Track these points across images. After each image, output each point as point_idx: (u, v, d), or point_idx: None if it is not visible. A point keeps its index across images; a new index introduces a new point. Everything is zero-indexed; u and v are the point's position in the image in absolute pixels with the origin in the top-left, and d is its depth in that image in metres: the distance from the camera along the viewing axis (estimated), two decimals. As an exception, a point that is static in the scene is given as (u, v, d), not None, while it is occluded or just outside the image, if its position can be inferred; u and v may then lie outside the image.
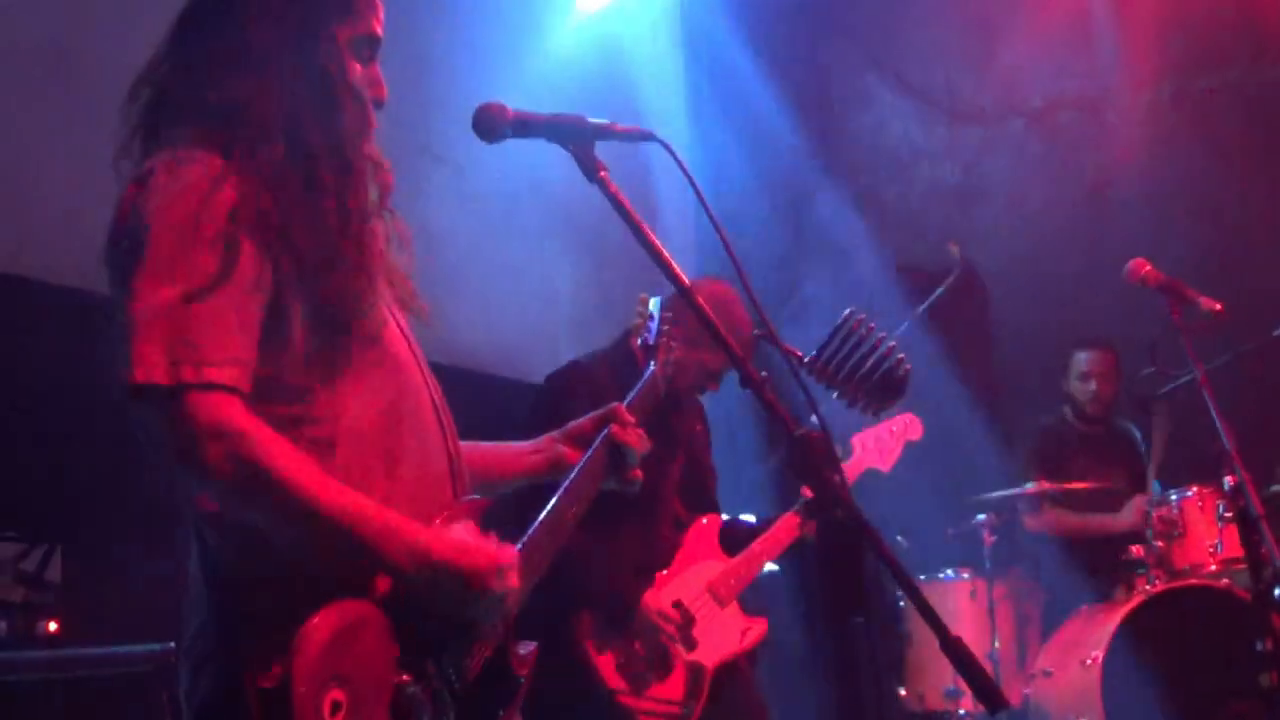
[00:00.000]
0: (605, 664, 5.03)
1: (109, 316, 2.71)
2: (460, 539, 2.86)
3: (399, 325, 3.08)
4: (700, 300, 3.05)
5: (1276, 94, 8.92)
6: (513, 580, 2.89)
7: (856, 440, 5.90)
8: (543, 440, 3.65)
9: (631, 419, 3.65)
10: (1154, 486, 7.63)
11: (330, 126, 2.94)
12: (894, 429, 5.96)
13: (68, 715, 4.87)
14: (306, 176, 2.87)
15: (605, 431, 3.61)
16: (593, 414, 3.67)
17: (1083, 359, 8.21)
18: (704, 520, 5.51)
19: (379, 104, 3.08)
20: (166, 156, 2.80)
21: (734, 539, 5.50)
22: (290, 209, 2.82)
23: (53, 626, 5.09)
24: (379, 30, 3.07)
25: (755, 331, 4.29)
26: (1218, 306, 5.39)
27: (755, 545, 5.44)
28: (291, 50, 2.93)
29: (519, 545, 3.18)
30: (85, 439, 5.48)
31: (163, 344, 2.61)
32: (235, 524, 2.75)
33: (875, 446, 5.88)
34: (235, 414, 2.63)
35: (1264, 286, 8.30)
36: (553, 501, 3.42)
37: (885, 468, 5.90)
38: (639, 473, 3.64)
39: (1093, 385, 8.15)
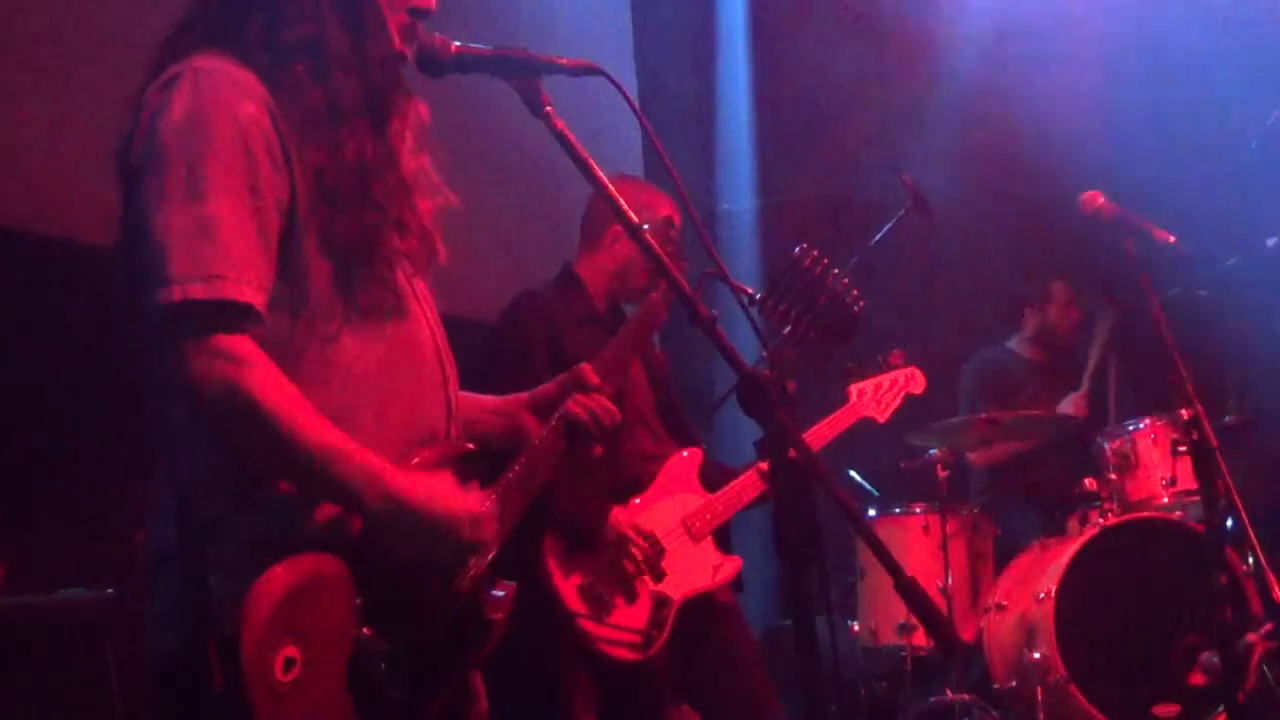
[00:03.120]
0: (567, 587, 5.02)
1: (130, 233, 2.69)
2: (436, 485, 2.85)
3: (408, 267, 3.03)
4: (650, 238, 3.01)
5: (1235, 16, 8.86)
6: (487, 530, 2.89)
7: (854, 389, 5.87)
8: (509, 400, 3.58)
9: (595, 381, 3.58)
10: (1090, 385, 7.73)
11: (359, 53, 2.89)
12: (895, 380, 5.94)
13: (11, 663, 4.82)
14: (331, 103, 2.83)
15: (563, 406, 3.54)
16: (558, 377, 3.61)
17: (1064, 288, 8.24)
18: (684, 453, 5.48)
19: (424, 13, 3.02)
20: (189, 65, 2.75)
21: (715, 476, 5.47)
22: (314, 133, 2.79)
23: (-7, 575, 5.03)
24: None
25: (706, 270, 4.24)
26: (1171, 239, 5.36)
27: (735, 483, 5.42)
28: None
29: (493, 490, 3.19)
30: (22, 383, 5.41)
31: (202, 260, 2.60)
32: (211, 472, 2.72)
33: (873, 395, 5.86)
34: (248, 344, 2.63)
35: (1219, 214, 8.26)
36: (526, 450, 3.42)
37: (881, 419, 5.88)
38: (600, 449, 3.59)
39: (1075, 313, 8.18)
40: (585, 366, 3.61)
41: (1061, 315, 8.27)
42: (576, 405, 3.52)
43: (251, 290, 2.63)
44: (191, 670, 2.60)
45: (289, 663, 2.59)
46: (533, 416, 3.55)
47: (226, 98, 2.70)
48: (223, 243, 2.61)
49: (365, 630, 2.73)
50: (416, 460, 2.90)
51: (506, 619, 3.09)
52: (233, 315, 2.61)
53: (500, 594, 3.08)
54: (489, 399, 3.55)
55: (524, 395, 3.59)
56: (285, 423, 2.62)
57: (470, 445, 3.07)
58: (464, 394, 3.38)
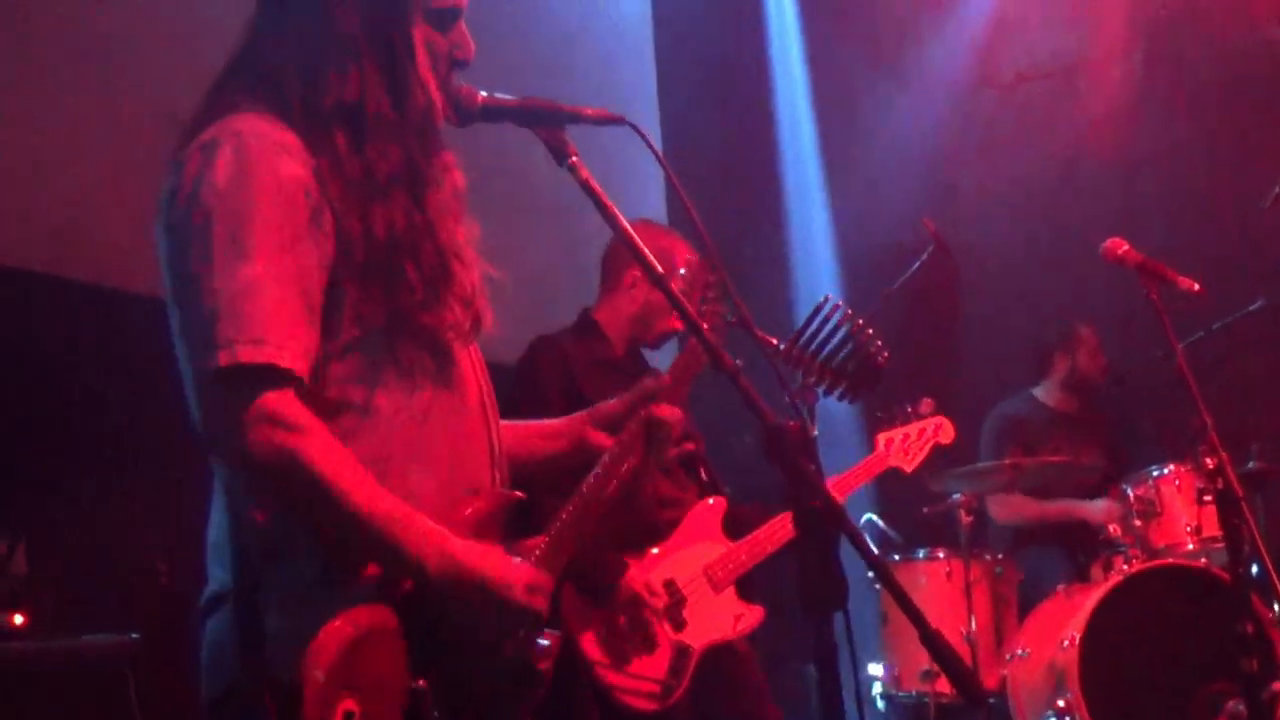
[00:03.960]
0: (586, 637, 5.01)
1: (175, 293, 2.69)
2: (492, 553, 2.85)
3: (453, 320, 2.99)
4: (673, 288, 3.01)
5: (1252, 61, 8.86)
6: (540, 599, 2.89)
7: (881, 438, 5.88)
8: (570, 420, 3.57)
9: (667, 381, 3.58)
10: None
11: (400, 116, 2.88)
12: (924, 430, 5.94)
13: (35, 707, 4.83)
14: (369, 173, 2.82)
15: (643, 412, 3.52)
16: (627, 394, 3.59)
17: (1092, 332, 8.21)
18: (709, 501, 5.47)
19: (464, 64, 3.03)
20: (231, 126, 2.74)
21: (738, 524, 5.46)
22: (351, 203, 2.78)
23: (19, 619, 5.03)
24: (462, 1, 3.01)
25: (729, 318, 4.25)
26: (1196, 287, 5.35)
27: (758, 533, 5.41)
28: (354, 23, 2.86)
29: (543, 536, 3.20)
30: (48, 428, 5.43)
31: (247, 325, 2.59)
32: (270, 520, 2.72)
33: (901, 446, 5.86)
34: (297, 406, 2.62)
35: (1237, 259, 8.26)
36: (579, 489, 3.41)
37: (908, 469, 5.89)
38: (690, 445, 3.59)
39: (1102, 358, 8.16)
40: (648, 381, 3.60)
41: (1090, 360, 8.23)
42: (660, 410, 3.51)
43: (294, 355, 2.63)
44: (245, 717, 2.62)
45: (348, 716, 2.59)
46: (599, 431, 3.54)
47: (268, 159, 2.69)
48: (267, 306, 2.60)
49: (420, 682, 2.73)
50: (469, 512, 2.90)
51: (552, 668, 3.09)
52: (280, 378, 2.60)
53: (546, 643, 3.08)
54: (546, 423, 3.55)
55: (584, 414, 3.57)
56: (341, 489, 2.62)
57: (518, 494, 3.07)
58: (517, 423, 3.41)
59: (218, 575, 2.81)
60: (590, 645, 5.00)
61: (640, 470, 3.52)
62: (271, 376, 2.59)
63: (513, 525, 3.01)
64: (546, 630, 3.06)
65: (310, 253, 2.70)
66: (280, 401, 2.59)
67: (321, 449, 2.62)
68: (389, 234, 2.81)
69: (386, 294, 2.80)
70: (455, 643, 2.82)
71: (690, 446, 3.66)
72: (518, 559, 2.95)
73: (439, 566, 2.71)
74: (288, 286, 2.65)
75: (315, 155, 2.76)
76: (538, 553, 3.17)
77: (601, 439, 3.52)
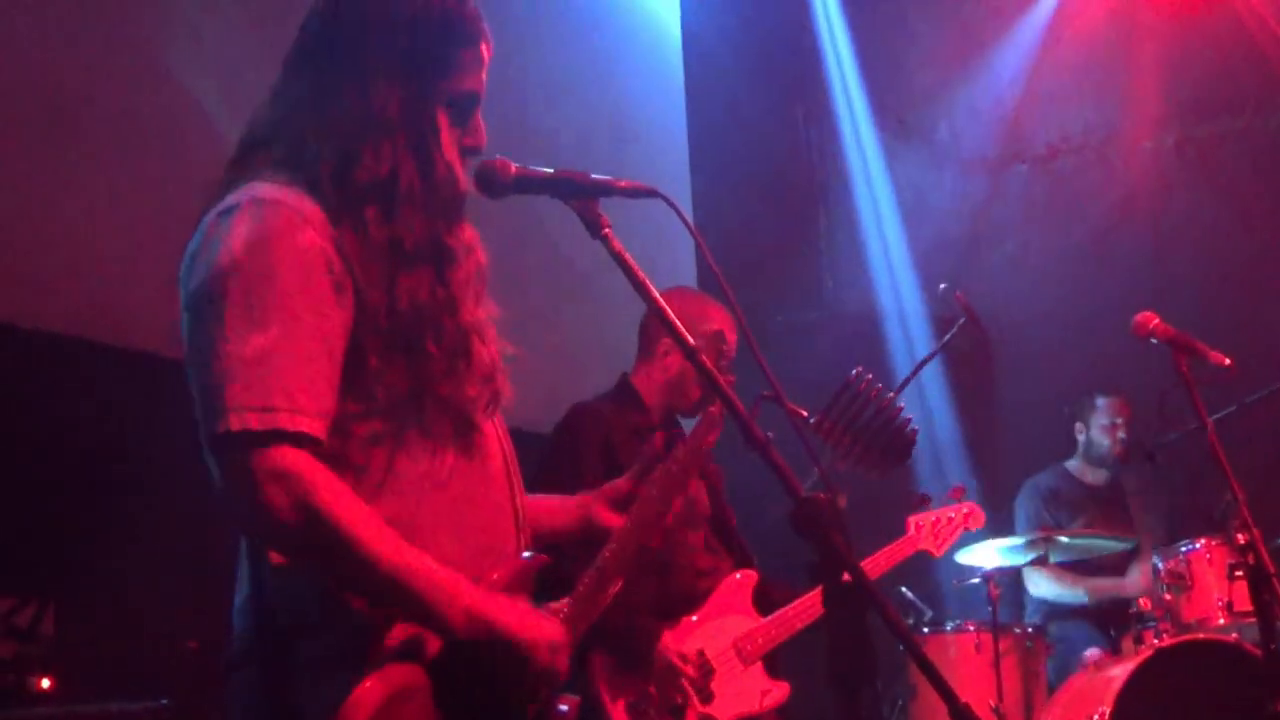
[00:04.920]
0: (616, 706, 5.00)
1: (191, 358, 2.71)
2: (516, 606, 2.85)
3: (473, 394, 3.00)
4: (704, 359, 3.03)
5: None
6: (563, 660, 2.90)
7: (912, 521, 5.91)
8: (578, 498, 3.63)
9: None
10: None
11: (428, 194, 2.90)
12: (952, 515, 5.98)
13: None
14: (396, 245, 2.84)
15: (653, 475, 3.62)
16: (630, 472, 3.64)
17: (1106, 404, 8.19)
18: (738, 575, 5.46)
19: (476, 151, 3.06)
20: (251, 193, 2.77)
21: (768, 599, 5.45)
22: (376, 274, 2.80)
23: (46, 683, 5.03)
24: (481, 89, 3.05)
25: (762, 392, 4.26)
26: (1226, 361, 5.34)
27: (788, 609, 5.40)
28: (392, 107, 2.89)
29: (565, 601, 3.24)
30: (78, 491, 5.45)
31: (257, 391, 2.60)
32: (295, 575, 2.73)
33: (931, 530, 5.90)
34: (307, 461, 2.62)
35: (1269, 335, 8.25)
36: (599, 558, 3.46)
37: (937, 554, 5.93)
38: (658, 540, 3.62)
39: (1121, 433, 8.12)
40: (647, 449, 3.68)
41: (1104, 432, 8.19)
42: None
43: (307, 420, 2.63)
44: None
45: None
46: (607, 509, 3.58)
47: (286, 226, 2.71)
48: (280, 373, 2.62)
49: None
50: (495, 578, 2.90)
51: None
52: (289, 441, 2.61)
53: (565, 708, 3.09)
54: (556, 498, 3.59)
55: (591, 493, 3.63)
56: (358, 540, 2.62)
57: (544, 558, 3.07)
58: (538, 498, 3.42)
59: (243, 634, 2.83)
60: (619, 713, 4.99)
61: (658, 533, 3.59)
62: (282, 439, 2.60)
63: (539, 589, 3.01)
64: (565, 695, 3.07)
65: (330, 317, 2.72)
66: (292, 460, 2.60)
67: (339, 503, 2.62)
68: (412, 305, 2.83)
69: (408, 365, 2.82)
70: (482, 704, 2.81)
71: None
72: (544, 613, 2.97)
73: (465, 619, 2.72)
74: (303, 352, 2.66)
75: (338, 227, 2.78)
76: (563, 614, 3.20)
77: (609, 517, 3.57)
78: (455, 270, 2.95)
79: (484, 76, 3.05)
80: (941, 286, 7.24)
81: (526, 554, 3.05)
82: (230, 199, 2.77)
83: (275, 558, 2.75)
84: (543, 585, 3.05)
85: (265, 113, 2.98)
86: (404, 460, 2.83)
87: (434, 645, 2.75)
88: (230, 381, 2.61)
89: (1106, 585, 7.80)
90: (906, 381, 6.61)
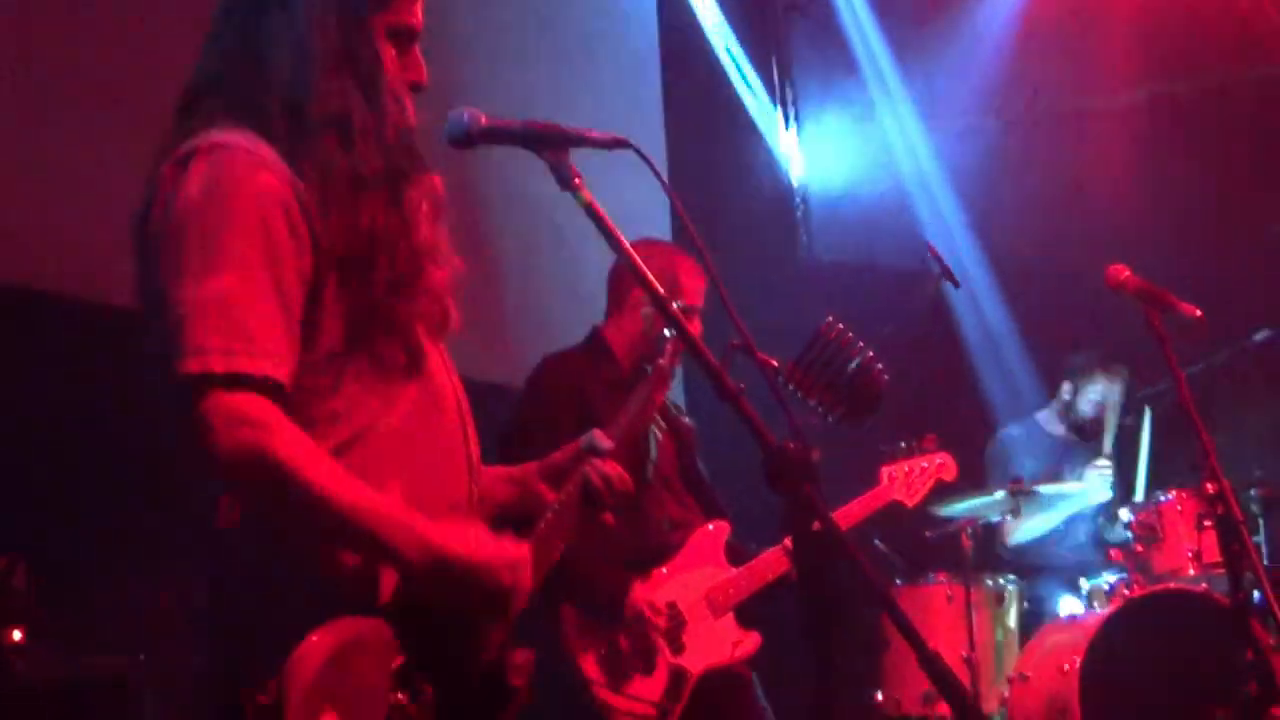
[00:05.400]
0: (585, 655, 5.03)
1: (150, 306, 2.72)
2: (472, 531, 2.85)
3: (429, 333, 3.03)
4: (675, 310, 3.03)
5: (1255, 97, 8.90)
6: (525, 577, 2.90)
7: (885, 471, 5.92)
8: (522, 470, 3.60)
9: (609, 445, 3.59)
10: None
11: (362, 122, 2.90)
12: (925, 465, 5.99)
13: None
14: (355, 174, 2.85)
15: (579, 474, 3.54)
16: (569, 445, 3.61)
17: (1106, 385, 8.17)
18: (710, 526, 5.47)
19: (418, 88, 3.07)
20: (207, 139, 2.77)
21: (740, 550, 5.47)
22: (337, 202, 2.81)
23: (17, 635, 5.03)
24: (417, 22, 3.06)
25: (732, 341, 4.26)
26: (1198, 313, 5.34)
27: (759, 559, 5.42)
28: (332, 39, 2.90)
29: (528, 540, 3.17)
30: (51, 446, 5.43)
31: (218, 334, 2.61)
32: (248, 534, 2.76)
33: (904, 480, 5.91)
34: (265, 406, 2.64)
35: (1242, 289, 8.28)
36: (544, 519, 3.43)
37: (910, 504, 5.94)
38: (611, 516, 3.59)
39: (1106, 415, 8.11)
40: (597, 432, 3.62)
41: (1091, 406, 8.17)
42: (592, 470, 3.54)
43: (269, 363, 2.65)
44: None
45: None
46: (545, 485, 3.56)
47: (243, 171, 2.72)
48: (238, 317, 2.63)
49: (401, 696, 2.74)
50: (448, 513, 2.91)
51: (529, 685, 3.10)
52: (250, 385, 2.62)
53: (520, 660, 3.10)
54: (500, 469, 3.56)
55: (534, 465, 3.59)
56: (313, 482, 2.64)
57: (494, 508, 3.13)
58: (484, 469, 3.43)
59: (201, 595, 2.85)
60: (589, 664, 5.01)
61: (576, 532, 3.52)
62: (242, 382, 2.61)
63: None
64: (519, 649, 3.08)
65: (287, 262, 2.72)
66: (249, 403, 2.61)
67: (292, 445, 2.64)
68: (371, 229, 2.84)
69: (361, 284, 2.82)
70: (435, 657, 2.83)
71: (609, 519, 3.64)
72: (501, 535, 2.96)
73: (421, 551, 2.73)
74: (262, 296, 2.67)
75: (294, 167, 2.79)
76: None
77: (547, 492, 3.53)
78: (409, 196, 2.96)
79: (419, 11, 3.06)
80: (926, 246, 7.25)
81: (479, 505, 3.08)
82: (185, 146, 2.78)
83: (231, 518, 2.77)
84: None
85: (205, 59, 2.98)
86: (357, 411, 2.84)
87: (388, 591, 2.76)
88: (191, 324, 2.62)
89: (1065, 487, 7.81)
90: (879, 334, 6.62)
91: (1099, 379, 8.20)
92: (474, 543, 2.82)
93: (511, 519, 3.49)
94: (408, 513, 2.77)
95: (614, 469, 3.56)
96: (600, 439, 3.58)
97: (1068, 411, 8.31)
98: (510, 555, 2.87)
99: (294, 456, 2.63)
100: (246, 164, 2.74)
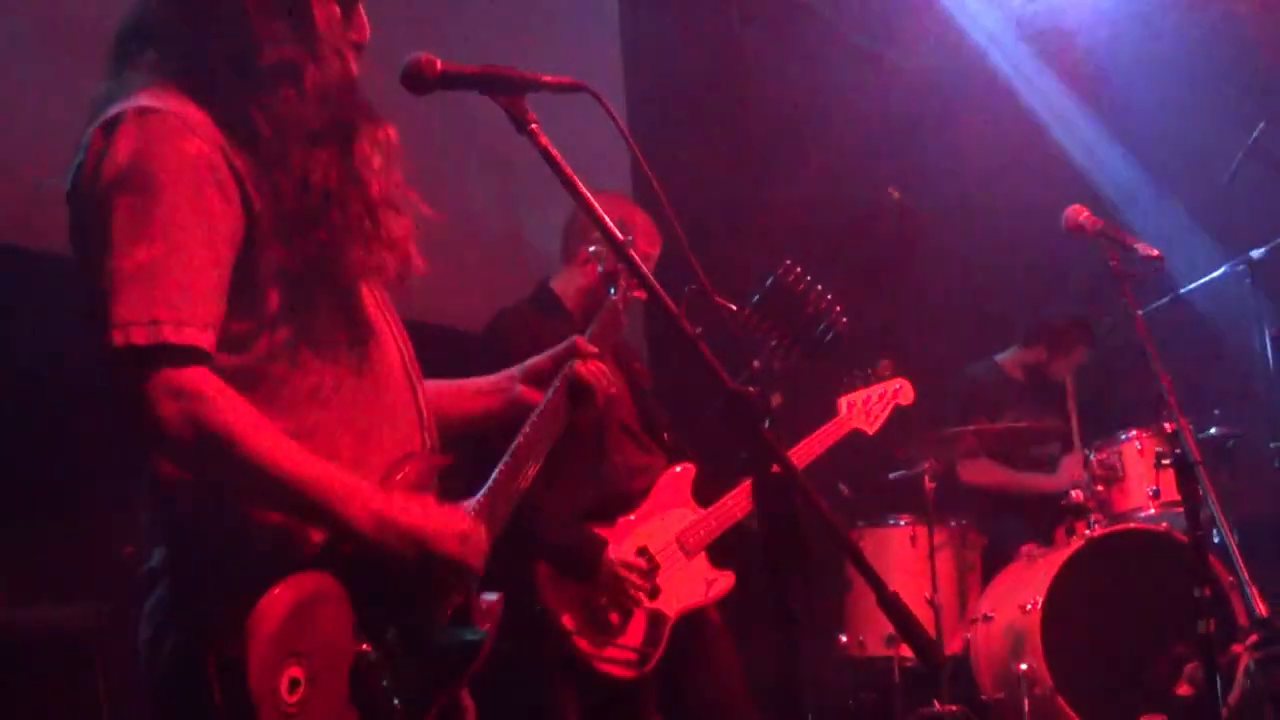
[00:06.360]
0: (562, 605, 5.04)
1: (82, 276, 2.67)
2: (421, 503, 2.85)
3: (377, 264, 3.00)
4: (633, 254, 3.02)
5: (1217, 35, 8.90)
6: (475, 547, 2.91)
7: (843, 401, 5.90)
8: (500, 378, 3.65)
9: (593, 350, 3.66)
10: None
11: (310, 75, 2.87)
12: (884, 392, 5.97)
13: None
14: (282, 128, 2.82)
15: (567, 368, 3.63)
16: (551, 350, 3.67)
17: (1081, 361, 8.14)
18: (677, 469, 5.49)
19: (359, 46, 3.03)
20: (135, 102, 2.73)
21: (709, 490, 5.48)
22: (267, 162, 2.78)
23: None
24: None
25: (689, 286, 4.25)
26: (1155, 253, 5.35)
27: (727, 498, 5.43)
28: None
29: (480, 496, 3.25)
30: (9, 394, 5.40)
31: (142, 305, 2.58)
32: (199, 489, 2.73)
33: (863, 408, 5.89)
34: (201, 376, 2.61)
35: (1200, 228, 8.31)
36: (513, 446, 3.47)
37: (870, 431, 5.91)
38: (600, 401, 3.65)
39: (1072, 379, 8.06)
40: (579, 339, 3.68)
41: (1061, 373, 8.12)
42: (581, 366, 3.57)
43: (194, 331, 2.61)
44: (189, 690, 2.60)
45: (294, 683, 2.59)
46: (529, 386, 3.60)
47: (172, 136, 2.68)
48: (164, 286, 2.59)
49: (365, 646, 2.74)
50: (399, 477, 2.91)
51: (495, 630, 3.11)
52: (180, 355, 2.59)
53: (486, 604, 3.10)
54: (475, 381, 3.61)
55: (513, 370, 3.64)
56: (255, 453, 2.61)
57: (448, 458, 3.09)
58: (445, 383, 3.45)
59: (154, 550, 2.81)
60: (566, 614, 5.01)
61: (570, 425, 3.61)
62: (170, 354, 2.58)
63: (443, 487, 3.04)
64: (485, 597, 3.09)
65: (218, 228, 2.69)
66: (182, 375, 2.58)
67: (235, 416, 2.62)
68: (320, 182, 2.82)
69: (309, 240, 2.80)
70: (399, 606, 2.84)
71: (613, 390, 3.70)
72: (450, 506, 2.98)
73: (370, 521, 2.72)
74: (189, 263, 2.64)
75: (225, 128, 2.76)
76: (474, 509, 3.22)
77: (532, 394, 3.60)
78: (359, 147, 2.93)
79: None
80: (891, 191, 7.24)
81: (432, 454, 3.07)
82: (113, 110, 2.73)
83: (173, 474, 2.74)
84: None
85: (135, 14, 2.93)
86: (302, 374, 2.82)
87: (346, 550, 2.75)
88: (115, 296, 2.58)
89: (1037, 482, 7.86)
90: (837, 274, 6.62)
91: (1078, 353, 8.15)
92: (421, 513, 2.83)
93: (498, 425, 3.53)
94: (355, 481, 2.76)
95: (600, 367, 3.60)
96: (583, 344, 3.65)
97: (1036, 370, 8.24)
98: (460, 525, 2.89)
99: (234, 426, 2.61)
100: (175, 130, 2.69)
